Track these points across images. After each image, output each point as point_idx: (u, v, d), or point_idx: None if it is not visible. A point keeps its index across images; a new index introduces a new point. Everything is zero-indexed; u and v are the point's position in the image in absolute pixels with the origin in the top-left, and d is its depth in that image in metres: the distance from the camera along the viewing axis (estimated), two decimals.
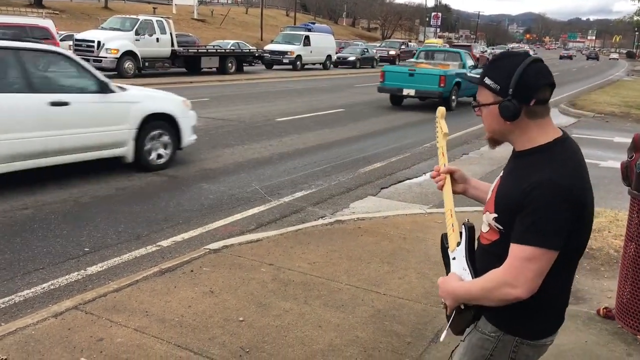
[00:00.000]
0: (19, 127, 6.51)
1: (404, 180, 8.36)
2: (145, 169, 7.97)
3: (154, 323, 3.75)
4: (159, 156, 8.16)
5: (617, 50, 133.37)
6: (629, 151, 3.92)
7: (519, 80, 1.71)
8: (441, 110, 2.13)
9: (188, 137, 8.58)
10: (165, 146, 8.23)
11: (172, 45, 24.38)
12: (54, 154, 6.95)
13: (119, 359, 3.32)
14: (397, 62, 44.02)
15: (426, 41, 72.34)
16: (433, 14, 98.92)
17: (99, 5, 52.27)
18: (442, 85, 16.08)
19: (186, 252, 5.20)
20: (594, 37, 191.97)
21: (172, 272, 4.58)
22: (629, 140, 3.91)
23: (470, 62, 18.93)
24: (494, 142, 1.91)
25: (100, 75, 7.49)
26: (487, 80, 1.79)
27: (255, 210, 6.61)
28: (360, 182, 8.14)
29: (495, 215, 1.81)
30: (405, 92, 16.71)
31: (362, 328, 3.82)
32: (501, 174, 1.92)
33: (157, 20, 24.29)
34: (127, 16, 24.86)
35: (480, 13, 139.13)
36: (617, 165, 4.08)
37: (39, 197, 6.58)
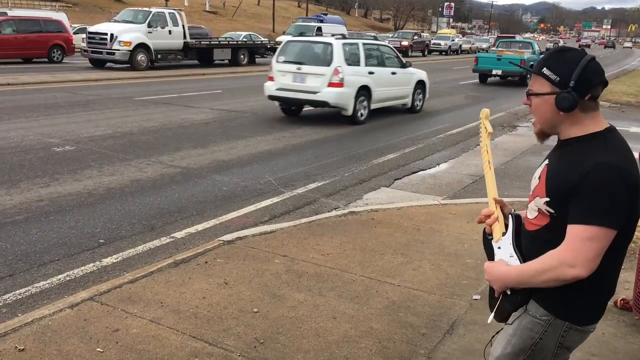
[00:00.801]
0: (382, 84, 12.76)
1: (417, 172, 8.31)
2: (413, 112, 14.24)
3: (169, 314, 3.77)
4: (417, 104, 14.42)
5: (633, 40, 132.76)
6: None
7: (581, 74, 1.78)
8: (485, 111, 2.20)
9: (427, 94, 14.86)
10: (420, 98, 14.50)
11: (185, 37, 24.41)
12: (388, 100, 13.26)
13: (134, 350, 3.34)
14: (409, 53, 43.88)
15: (439, 31, 71.85)
16: (446, 4, 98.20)
17: None
18: (522, 66, 17.69)
19: (200, 243, 5.21)
20: (609, 27, 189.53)
21: (186, 263, 4.59)
22: None
23: (538, 49, 24.48)
24: (543, 135, 1.96)
25: (402, 59, 14.08)
26: (546, 71, 1.84)
27: (269, 201, 6.61)
28: (374, 173, 8.11)
29: (547, 199, 1.85)
30: (494, 72, 22.40)
31: (377, 319, 3.81)
32: (546, 161, 1.96)
33: (169, 13, 24.32)
34: (140, 9, 24.89)
35: (494, 3, 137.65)
36: (635, 155, 4.02)
37: (54, 189, 6.63)
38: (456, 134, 11.45)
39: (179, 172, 7.72)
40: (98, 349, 3.33)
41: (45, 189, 6.63)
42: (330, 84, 11.52)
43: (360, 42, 12.75)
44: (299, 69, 11.91)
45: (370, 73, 12.31)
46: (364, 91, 12.08)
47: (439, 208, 6.39)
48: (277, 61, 12.38)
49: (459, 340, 3.60)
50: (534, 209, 1.92)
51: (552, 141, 2.02)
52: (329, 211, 6.31)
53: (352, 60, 11.98)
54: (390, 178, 7.89)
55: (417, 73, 14.23)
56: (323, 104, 11.79)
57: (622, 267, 1.93)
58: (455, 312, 3.95)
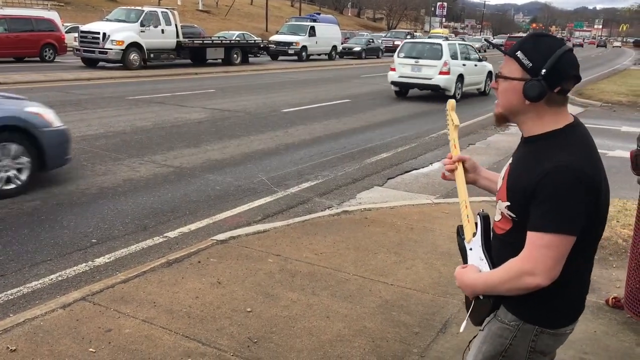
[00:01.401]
0: (470, 73, 17.27)
1: (410, 171, 8.33)
2: (484, 94, 18.50)
3: (162, 314, 3.76)
4: (487, 89, 18.58)
5: (624, 39, 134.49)
6: (638, 139, 3.89)
7: (554, 64, 1.67)
8: (451, 102, 2.12)
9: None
10: (488, 84, 18.39)
11: (178, 36, 24.36)
12: (472, 85, 17.70)
13: (127, 350, 3.33)
14: None
15: (432, 31, 72.01)
16: (438, 3, 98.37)
17: None
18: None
19: (193, 243, 5.20)
20: (600, 26, 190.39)
21: (179, 263, 4.58)
22: (637, 130, 3.87)
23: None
24: (503, 119, 1.86)
25: (479, 55, 18.20)
26: (520, 54, 1.72)
27: (262, 201, 6.60)
28: (367, 172, 8.12)
29: (508, 203, 1.78)
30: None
31: (370, 318, 3.82)
32: (510, 160, 1.89)
33: (162, 12, 24.26)
34: (132, 8, 24.79)
35: (486, 2, 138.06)
36: (625, 154, 4.05)
37: (46, 189, 6.60)
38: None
39: (172, 171, 7.70)
40: (90, 349, 3.32)
41: (37, 188, 6.59)
42: (441, 73, 16.36)
43: (456, 42, 18.72)
44: (416, 62, 16.66)
45: (463, 65, 17.18)
46: (460, 78, 16.90)
47: (432, 207, 6.41)
48: (398, 56, 17.23)
49: (451, 339, 3.61)
50: (499, 212, 1.86)
51: None
52: (322, 210, 6.32)
53: (453, 55, 16.83)
54: (384, 177, 7.90)
55: (488, 66, 18.73)
56: (435, 87, 16.55)
57: (614, 265, 1.93)
58: (448, 311, 3.96)
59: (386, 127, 11.94)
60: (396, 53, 17.64)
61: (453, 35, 72.23)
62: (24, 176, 6.41)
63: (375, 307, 3.97)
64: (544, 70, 1.67)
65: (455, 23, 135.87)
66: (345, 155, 9.09)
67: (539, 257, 1.65)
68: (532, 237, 1.67)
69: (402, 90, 17.50)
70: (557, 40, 1.74)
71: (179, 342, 3.43)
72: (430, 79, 16.39)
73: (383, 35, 51.11)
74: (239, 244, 5.04)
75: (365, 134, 11.12)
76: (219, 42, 27.56)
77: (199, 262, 4.62)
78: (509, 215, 1.79)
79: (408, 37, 47.57)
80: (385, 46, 42.84)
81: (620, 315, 3.95)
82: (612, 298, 4.08)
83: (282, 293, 4.13)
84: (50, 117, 6.80)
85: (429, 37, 32.67)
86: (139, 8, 23.91)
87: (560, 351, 1.99)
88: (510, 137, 11.07)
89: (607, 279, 4.48)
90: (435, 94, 16.91)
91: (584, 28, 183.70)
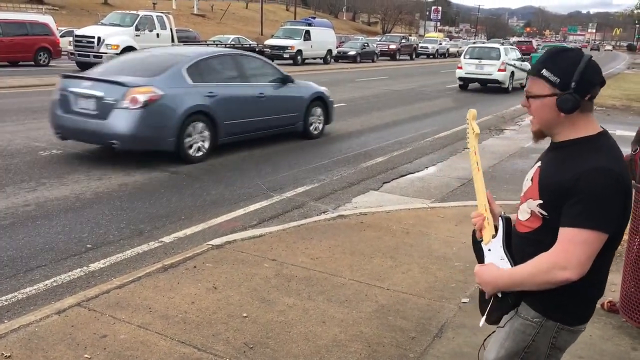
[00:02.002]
0: (517, 71, 21.41)
1: (406, 175, 8.33)
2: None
3: (158, 319, 3.75)
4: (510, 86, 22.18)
5: (617, 43, 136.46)
6: (633, 144, 3.90)
7: (581, 75, 1.77)
8: (472, 112, 2.17)
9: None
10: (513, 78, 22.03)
11: (173, 40, 24.35)
12: (517, 80, 22.32)
13: (122, 356, 3.32)
14: (397, 57, 44.00)
15: (426, 35, 72.21)
16: (433, 7, 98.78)
17: (99, 1, 52.19)
18: None
19: (189, 248, 5.19)
20: (594, 30, 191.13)
21: (174, 268, 4.57)
22: (631, 134, 3.88)
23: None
24: (541, 134, 1.95)
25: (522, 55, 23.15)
26: (546, 73, 1.82)
27: (257, 205, 6.59)
28: (362, 176, 8.13)
29: (540, 201, 1.85)
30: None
31: (366, 323, 3.81)
32: (538, 164, 1.96)
33: (157, 16, 24.26)
34: (127, 12, 24.80)
35: (481, 7, 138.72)
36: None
37: (40, 194, 6.57)
38: (444, 138, 11.50)
39: (167, 176, 7.69)
40: (85, 355, 3.30)
41: (31, 193, 6.57)
42: (499, 70, 20.89)
43: (508, 46, 24.24)
44: (480, 61, 21.32)
45: (514, 64, 20.33)
46: (512, 74, 21.15)
47: (427, 211, 6.42)
48: (464, 58, 22.11)
49: (448, 343, 3.61)
50: (526, 211, 1.93)
51: (541, 144, 2.04)
52: (317, 215, 6.31)
53: (507, 56, 21.40)
54: (379, 181, 7.91)
55: (528, 65, 20.41)
56: (495, 81, 21.30)
57: (610, 269, 1.95)
58: (444, 316, 3.96)
59: (381, 131, 11.96)
60: (462, 55, 22.83)
61: (448, 39, 72.46)
62: (207, 144, 8.56)
63: (372, 312, 3.97)
64: (573, 83, 1.77)
65: (450, 27, 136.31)
66: (341, 159, 9.09)
67: (573, 252, 1.73)
68: (567, 232, 1.75)
69: (466, 84, 22.40)
70: (576, 52, 1.84)
71: (175, 348, 3.42)
72: (490, 74, 21.15)
73: (378, 39, 51.21)
74: (234, 249, 5.03)
75: (360, 137, 11.13)
76: (214, 46, 27.54)
77: (195, 267, 4.61)
78: (540, 213, 1.86)
79: (403, 40, 47.79)
80: (380, 50, 42.91)
81: (616, 319, 3.96)
82: (608, 302, 4.09)
83: (278, 298, 4.12)
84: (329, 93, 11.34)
85: (488, 42, 36.98)
86: (134, 12, 23.94)
87: None
88: (505, 141, 11.11)
89: None
90: (431, 98, 16.93)
91: (578, 32, 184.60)
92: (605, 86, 1.92)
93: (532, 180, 1.94)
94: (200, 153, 8.46)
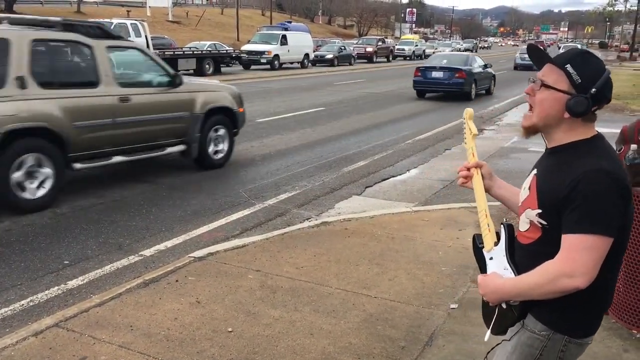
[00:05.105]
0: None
1: (388, 178, 8.28)
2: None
3: (140, 338, 3.62)
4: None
5: (590, 41, 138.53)
6: (617, 144, 3.88)
7: (603, 85, 1.75)
8: (469, 111, 2.11)
9: None
10: None
11: (148, 48, 24.06)
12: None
13: None
14: (374, 59, 44.10)
15: (403, 37, 72.59)
16: (408, 10, 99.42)
17: (72, 9, 51.49)
18: None
19: (170, 261, 5.06)
20: (566, 29, 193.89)
21: (156, 282, 4.44)
22: (614, 132, 3.87)
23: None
24: (533, 131, 1.88)
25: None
26: (570, 68, 1.76)
27: (240, 214, 6.48)
28: (345, 181, 8.05)
29: (539, 210, 1.80)
30: None
31: (355, 334, 3.73)
32: (534, 172, 1.91)
33: (131, 24, 24.04)
34: (101, 20, 24.46)
35: (454, 8, 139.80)
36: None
37: (16, 210, 6.37)
38: (424, 139, 11.48)
39: (146, 187, 7.53)
40: None
41: (6, 209, 6.37)
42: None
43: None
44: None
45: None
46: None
47: (411, 215, 6.36)
48: (520, 53, 31.96)
49: (438, 352, 3.55)
50: (526, 221, 1.86)
51: (522, 143, 1.98)
52: (301, 222, 6.22)
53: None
54: (361, 186, 7.84)
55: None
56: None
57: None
58: (434, 323, 3.89)
59: (361, 135, 11.91)
60: (518, 53, 33.49)
61: (423, 40, 72.92)
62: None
63: (360, 322, 3.89)
64: (594, 90, 1.74)
65: (425, 28, 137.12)
66: (322, 165, 9.01)
67: (579, 259, 1.66)
68: (570, 239, 1.68)
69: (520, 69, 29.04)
70: (602, 62, 1.81)
71: None
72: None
73: (354, 42, 51.30)
74: (217, 261, 4.91)
75: (340, 142, 11.06)
76: (190, 52, 27.30)
77: (177, 280, 4.48)
78: (540, 223, 1.80)
79: (380, 43, 47.94)
80: (357, 53, 42.96)
81: (606, 320, 3.92)
82: None
83: (263, 310, 4.02)
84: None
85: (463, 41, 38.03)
86: (108, 20, 23.62)
87: None
88: (484, 142, 11.12)
89: None
90: (410, 99, 16.93)
91: (550, 31, 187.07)
92: None
93: (529, 189, 1.87)
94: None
